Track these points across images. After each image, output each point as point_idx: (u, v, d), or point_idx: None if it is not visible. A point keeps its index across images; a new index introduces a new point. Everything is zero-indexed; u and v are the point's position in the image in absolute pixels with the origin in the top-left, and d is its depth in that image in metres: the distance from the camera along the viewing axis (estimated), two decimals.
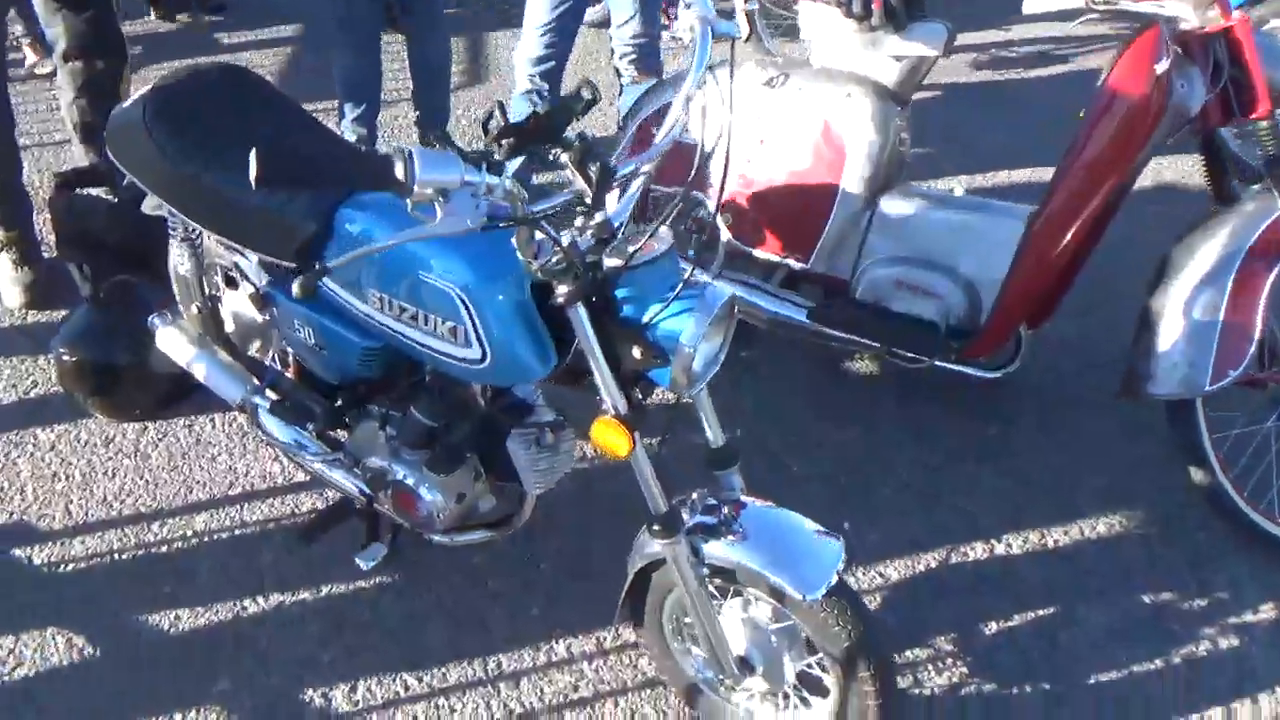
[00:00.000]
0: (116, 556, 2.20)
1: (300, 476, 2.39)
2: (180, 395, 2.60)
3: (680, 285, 1.34)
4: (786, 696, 1.69)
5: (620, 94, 3.15)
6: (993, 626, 2.01)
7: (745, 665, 1.62)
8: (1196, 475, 2.09)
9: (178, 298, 2.09)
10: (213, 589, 2.11)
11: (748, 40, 4.36)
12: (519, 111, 3.12)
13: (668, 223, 1.37)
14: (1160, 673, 1.91)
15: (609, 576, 2.09)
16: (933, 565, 2.13)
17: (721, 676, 1.68)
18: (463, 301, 1.45)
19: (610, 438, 1.41)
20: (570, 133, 1.34)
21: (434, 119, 3.63)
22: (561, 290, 1.33)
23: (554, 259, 1.32)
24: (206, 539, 2.24)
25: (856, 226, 2.42)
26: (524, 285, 1.46)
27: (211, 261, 2.02)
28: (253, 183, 1.06)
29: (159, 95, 1.80)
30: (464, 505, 1.77)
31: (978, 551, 2.16)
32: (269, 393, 1.95)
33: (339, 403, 1.94)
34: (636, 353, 1.36)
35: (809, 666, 1.63)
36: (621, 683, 1.91)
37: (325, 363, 1.76)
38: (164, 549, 2.22)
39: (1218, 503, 2.10)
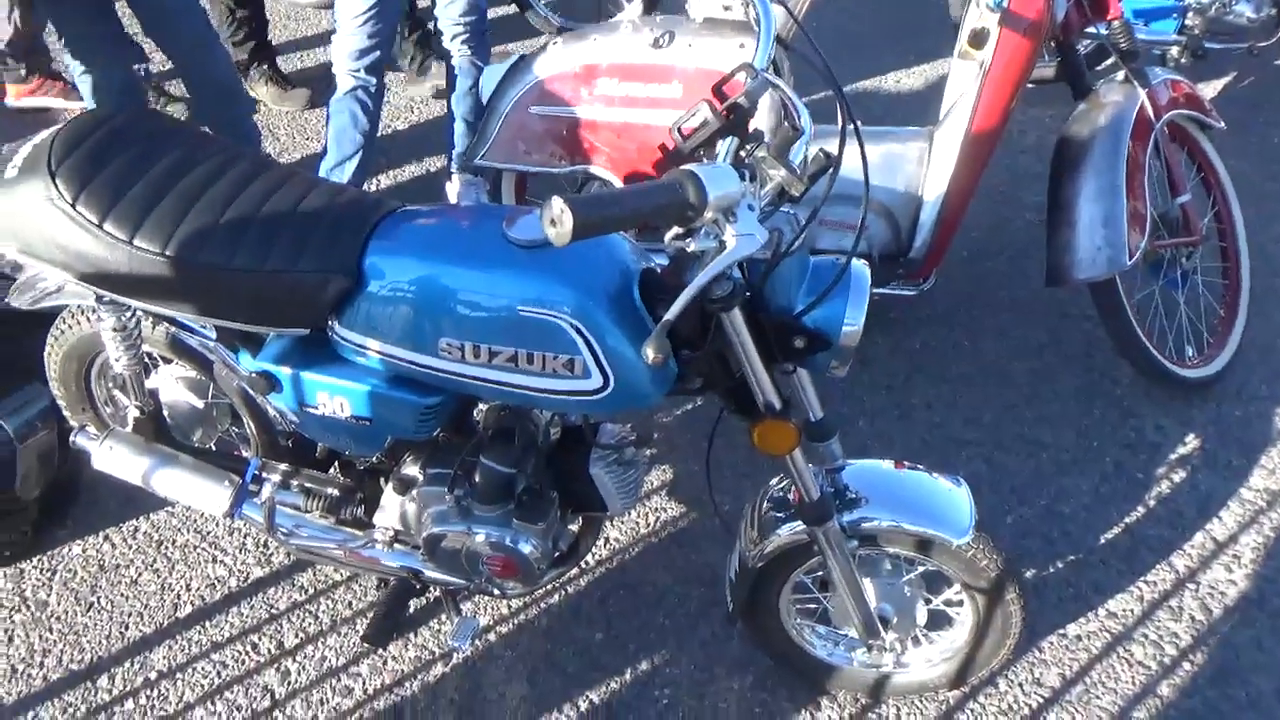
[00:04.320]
0: None
1: (259, 571, 2.06)
2: (54, 519, 2.15)
3: (836, 274, 1.27)
4: (913, 640, 1.73)
5: (454, 76, 2.91)
6: (1009, 520, 2.16)
7: (883, 622, 1.64)
8: (1119, 339, 2.36)
9: (98, 404, 1.69)
10: None
11: (525, 11, 4.19)
12: (341, 118, 2.79)
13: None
14: (1145, 518, 2.17)
15: (657, 581, 2.03)
16: None
17: (859, 641, 1.68)
18: (575, 329, 1.29)
19: (777, 438, 1.34)
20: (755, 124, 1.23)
21: None
22: (719, 295, 1.22)
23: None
24: (181, 678, 1.87)
25: None
26: (634, 293, 1.33)
27: (138, 354, 1.64)
28: (561, 240, 0.86)
29: (65, 159, 1.40)
30: (554, 547, 1.61)
31: (964, 456, 2.31)
32: (269, 488, 1.64)
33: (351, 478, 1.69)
34: (800, 343, 1.29)
35: (944, 604, 1.67)
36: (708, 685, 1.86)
37: (361, 434, 1.51)
38: (131, 706, 1.83)
39: (1137, 359, 2.38)
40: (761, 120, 2.15)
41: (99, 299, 1.51)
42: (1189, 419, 2.41)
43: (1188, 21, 3.31)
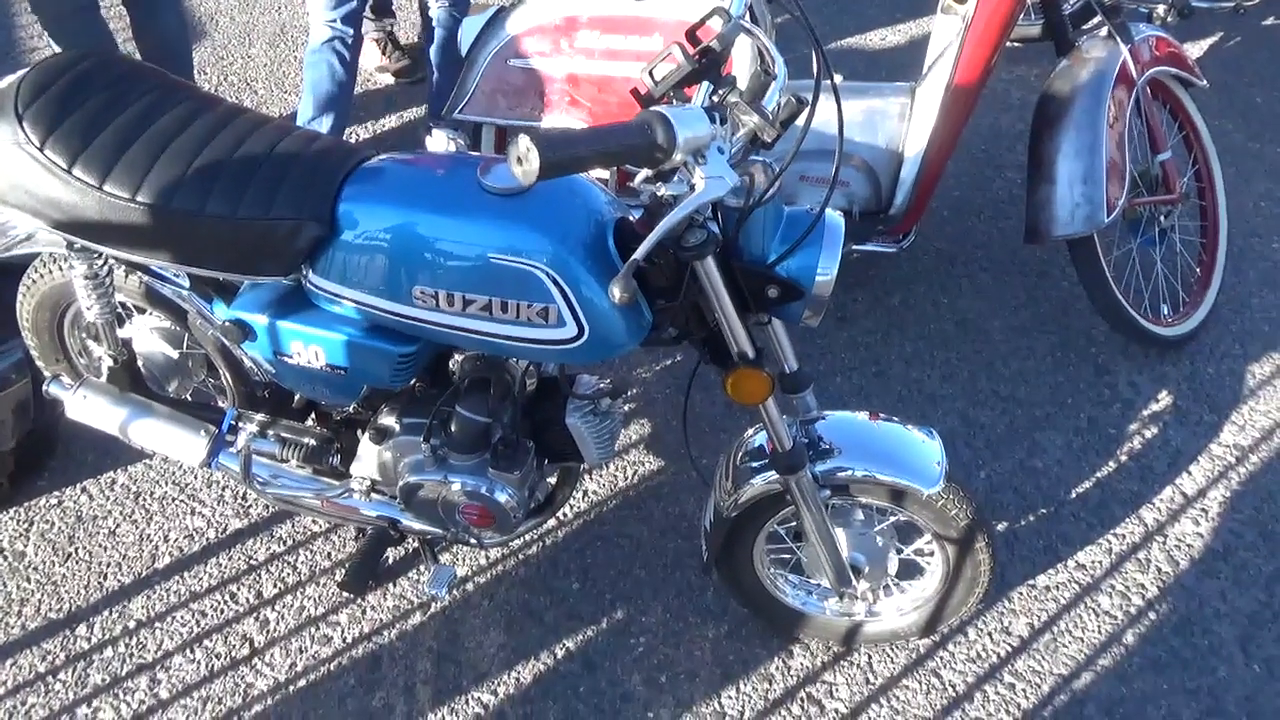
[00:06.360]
0: (51, 683, 1.80)
1: (237, 523, 2.06)
2: (31, 470, 2.14)
3: (810, 223, 1.27)
4: (884, 589, 1.76)
5: (432, 26, 2.87)
6: (983, 474, 2.19)
7: (855, 572, 1.66)
8: (1096, 297, 2.37)
9: (72, 354, 1.68)
10: (204, 679, 1.79)
11: None
12: (317, 70, 2.75)
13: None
14: (1116, 472, 2.20)
15: (634, 533, 2.04)
16: None
17: (832, 590, 1.71)
18: (550, 277, 1.29)
19: (750, 387, 1.35)
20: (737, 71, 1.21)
21: None
22: (693, 243, 1.22)
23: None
24: (160, 627, 1.88)
25: None
26: (608, 242, 1.32)
27: (110, 303, 1.63)
28: (528, 179, 0.86)
29: (33, 103, 1.38)
30: (530, 497, 1.62)
31: (940, 412, 2.33)
32: (245, 438, 1.64)
33: (325, 427, 1.69)
34: (773, 292, 1.29)
35: (915, 554, 1.69)
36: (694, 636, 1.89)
37: (336, 383, 1.51)
38: (110, 654, 1.84)
39: (1113, 317, 2.39)
40: (742, 69, 2.14)
41: (70, 246, 1.49)
42: (1163, 376, 2.43)
43: None
